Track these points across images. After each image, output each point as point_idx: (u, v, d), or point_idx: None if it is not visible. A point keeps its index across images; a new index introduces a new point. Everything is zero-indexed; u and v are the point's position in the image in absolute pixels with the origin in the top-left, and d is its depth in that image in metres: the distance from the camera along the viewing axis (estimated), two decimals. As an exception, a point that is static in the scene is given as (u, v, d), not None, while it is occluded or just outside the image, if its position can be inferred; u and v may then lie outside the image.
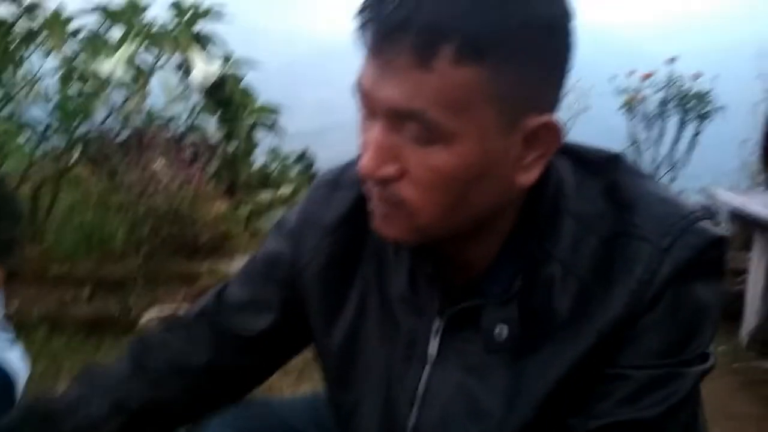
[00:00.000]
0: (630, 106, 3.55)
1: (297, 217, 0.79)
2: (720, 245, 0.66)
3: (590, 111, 3.67)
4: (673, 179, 3.58)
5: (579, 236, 0.66)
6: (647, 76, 3.59)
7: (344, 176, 0.76)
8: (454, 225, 0.64)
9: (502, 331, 0.66)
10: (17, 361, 1.36)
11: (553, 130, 0.62)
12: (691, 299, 0.65)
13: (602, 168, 0.69)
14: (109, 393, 0.80)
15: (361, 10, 0.59)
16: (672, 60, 3.56)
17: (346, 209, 0.74)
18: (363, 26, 0.59)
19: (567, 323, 0.65)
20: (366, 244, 0.74)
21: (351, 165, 0.75)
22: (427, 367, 0.70)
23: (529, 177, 0.63)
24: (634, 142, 3.57)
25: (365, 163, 0.61)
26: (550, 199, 0.67)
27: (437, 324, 0.70)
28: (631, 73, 3.60)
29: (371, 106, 0.61)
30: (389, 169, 0.61)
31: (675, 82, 3.53)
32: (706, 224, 0.66)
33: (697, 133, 3.53)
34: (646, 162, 3.58)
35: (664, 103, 3.55)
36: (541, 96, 0.62)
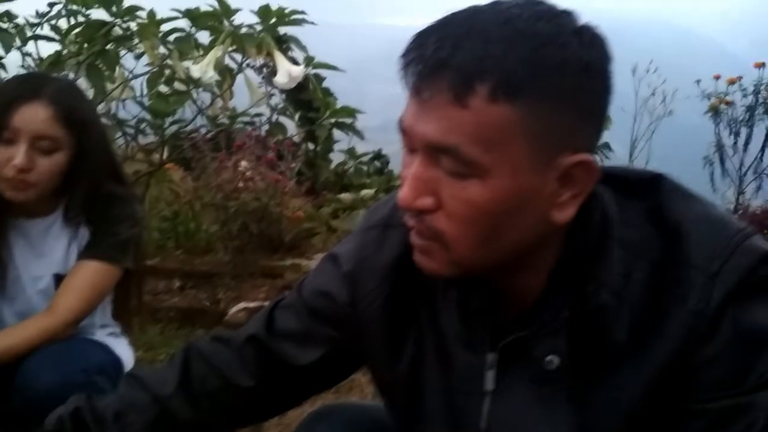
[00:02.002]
0: (716, 110, 3.45)
1: (353, 260, 0.81)
2: None
3: (674, 116, 3.58)
4: (758, 187, 3.46)
5: (629, 263, 0.66)
6: (733, 81, 3.48)
7: (395, 215, 0.77)
8: (489, 259, 0.66)
9: (553, 360, 0.68)
10: (125, 349, 1.47)
11: (589, 169, 0.63)
12: (749, 323, 0.64)
13: (644, 191, 0.70)
14: (153, 406, 0.85)
15: (404, 53, 0.63)
16: (762, 65, 3.44)
17: (399, 250, 0.76)
18: (405, 67, 0.63)
19: (626, 353, 0.66)
20: (419, 283, 0.76)
21: None
22: (487, 402, 0.72)
23: (564, 214, 0.64)
24: (720, 148, 3.46)
25: (403, 194, 0.64)
26: (596, 228, 0.67)
27: (491, 358, 0.71)
28: (717, 77, 3.50)
29: (411, 142, 0.64)
30: (426, 201, 0.63)
31: (763, 87, 3.41)
32: (754, 241, 0.66)
33: (787, 140, 3.40)
34: (731, 169, 3.47)
35: (751, 108, 3.43)
36: (576, 136, 0.63)
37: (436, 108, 0.61)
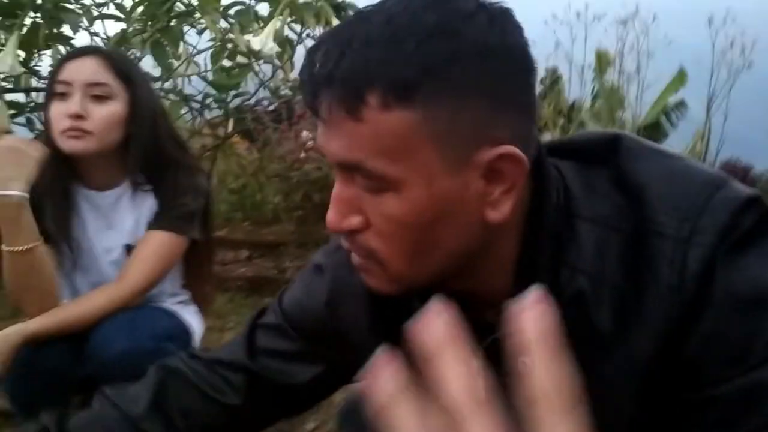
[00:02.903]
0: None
1: (328, 284, 0.78)
2: (751, 206, 0.56)
3: (754, 68, 3.37)
4: None
5: (601, 239, 0.60)
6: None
7: None
8: (430, 270, 0.62)
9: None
10: (193, 317, 1.51)
11: (514, 161, 0.57)
12: (742, 284, 0.55)
13: (604, 156, 0.63)
14: (123, 426, 0.81)
15: (300, 72, 0.60)
16: None
17: None
18: (301, 88, 0.59)
19: (613, 341, 0.59)
20: (396, 302, 0.71)
21: None
22: None
23: (499, 212, 0.59)
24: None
25: (329, 217, 0.61)
26: (558, 209, 0.61)
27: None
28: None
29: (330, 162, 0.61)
30: (352, 222, 0.60)
31: None
32: (727, 191, 0.57)
33: None
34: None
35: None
36: (492, 127, 0.57)
37: (335, 125, 0.57)
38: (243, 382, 0.83)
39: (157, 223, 1.37)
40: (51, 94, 1.29)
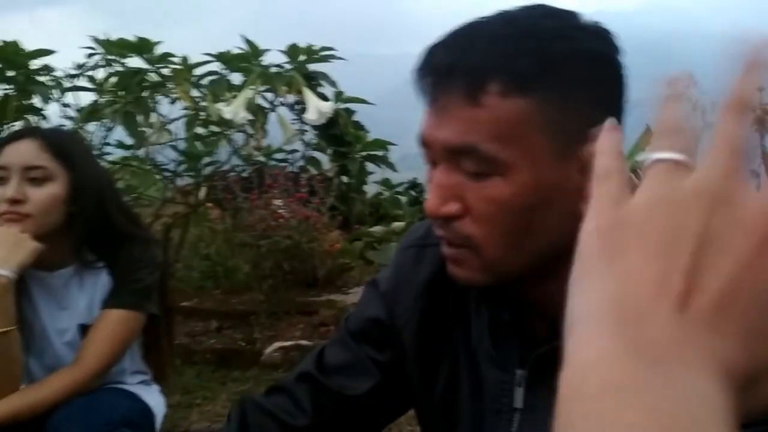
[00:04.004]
0: (761, 122, 3.33)
1: (390, 279, 0.81)
2: None
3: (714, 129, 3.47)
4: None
5: None
6: (778, 89, 3.36)
7: (431, 234, 0.76)
8: (521, 261, 0.65)
9: None
10: (155, 397, 1.46)
11: None
12: None
13: None
14: None
15: (417, 68, 0.65)
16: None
17: (434, 267, 0.76)
18: (419, 78, 0.64)
19: None
20: (453, 301, 0.75)
21: None
22: (516, 420, 0.70)
23: None
24: (767, 161, 3.33)
25: (428, 203, 0.64)
26: None
27: (520, 374, 0.70)
28: (762, 88, 3.38)
29: (432, 153, 0.65)
30: (451, 207, 0.63)
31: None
32: None
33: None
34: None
35: (799, 117, 3.29)
36: (594, 124, 0.61)
37: (452, 112, 0.62)
38: (309, 396, 0.83)
39: (112, 300, 1.33)
40: None
